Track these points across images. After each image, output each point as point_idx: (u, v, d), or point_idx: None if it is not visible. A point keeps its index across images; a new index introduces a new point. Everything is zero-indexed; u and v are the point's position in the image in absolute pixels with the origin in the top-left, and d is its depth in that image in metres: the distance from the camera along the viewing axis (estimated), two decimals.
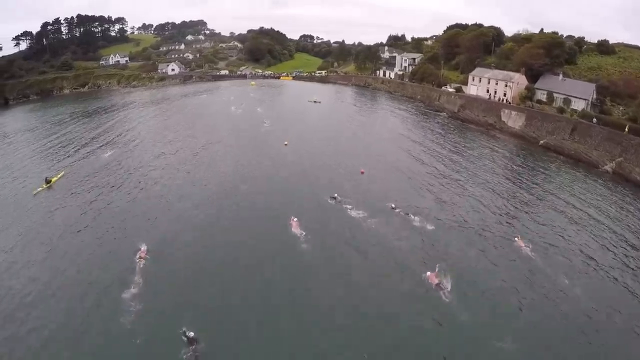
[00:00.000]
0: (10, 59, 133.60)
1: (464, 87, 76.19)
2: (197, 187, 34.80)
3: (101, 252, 24.24)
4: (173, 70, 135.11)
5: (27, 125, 70.92)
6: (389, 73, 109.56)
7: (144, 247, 23.45)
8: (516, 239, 25.27)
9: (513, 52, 73.29)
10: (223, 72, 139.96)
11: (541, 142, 51.68)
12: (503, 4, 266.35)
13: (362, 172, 38.23)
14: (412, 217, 28.24)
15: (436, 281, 19.90)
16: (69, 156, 46.35)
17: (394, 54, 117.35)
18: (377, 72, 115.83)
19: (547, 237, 26.39)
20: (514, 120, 58.67)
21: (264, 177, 37.30)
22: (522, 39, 77.98)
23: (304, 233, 25.53)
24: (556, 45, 67.62)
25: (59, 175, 38.14)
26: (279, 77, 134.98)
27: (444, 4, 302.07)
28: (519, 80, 64.27)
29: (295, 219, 27.09)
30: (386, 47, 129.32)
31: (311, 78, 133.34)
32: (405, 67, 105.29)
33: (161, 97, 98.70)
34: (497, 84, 67.66)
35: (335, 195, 31.46)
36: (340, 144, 50.43)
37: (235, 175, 37.55)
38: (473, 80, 73.69)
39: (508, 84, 65.49)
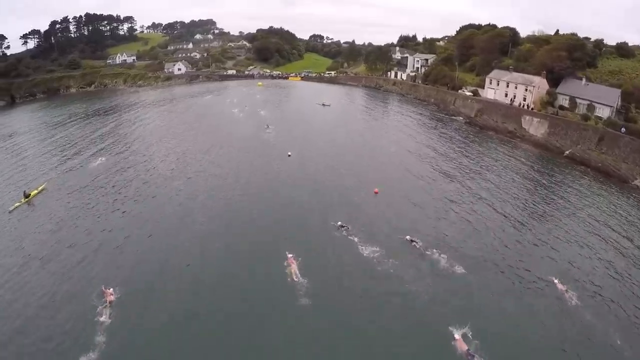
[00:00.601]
0: (18, 58, 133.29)
1: (480, 91, 71.92)
2: (185, 212, 30.05)
3: (61, 296, 20.42)
4: (179, 69, 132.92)
5: (26, 126, 69.28)
6: (401, 74, 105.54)
7: (111, 290, 19.72)
8: (555, 280, 21.35)
9: (531, 53, 68.87)
10: (230, 72, 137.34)
11: (566, 152, 47.64)
12: (507, 4, 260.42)
13: (376, 192, 33.59)
14: (437, 255, 23.78)
15: (466, 348, 16.14)
16: (57, 165, 43.32)
17: (405, 55, 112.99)
18: (389, 73, 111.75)
19: (593, 277, 22.46)
20: (535, 128, 54.46)
21: (261, 198, 32.40)
22: (540, 40, 73.56)
23: (305, 280, 21.04)
24: (577, 48, 63.31)
25: (39, 189, 34.93)
26: (287, 78, 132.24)
27: (448, 4, 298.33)
28: (540, 84, 60.02)
29: (293, 258, 22.68)
30: (397, 48, 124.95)
31: (320, 79, 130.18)
32: (418, 68, 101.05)
33: (165, 97, 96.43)
34: (516, 87, 63.45)
35: (343, 223, 27.09)
36: (351, 154, 45.81)
37: (229, 197, 32.90)
38: (490, 83, 69.44)
39: (528, 88, 61.24)
